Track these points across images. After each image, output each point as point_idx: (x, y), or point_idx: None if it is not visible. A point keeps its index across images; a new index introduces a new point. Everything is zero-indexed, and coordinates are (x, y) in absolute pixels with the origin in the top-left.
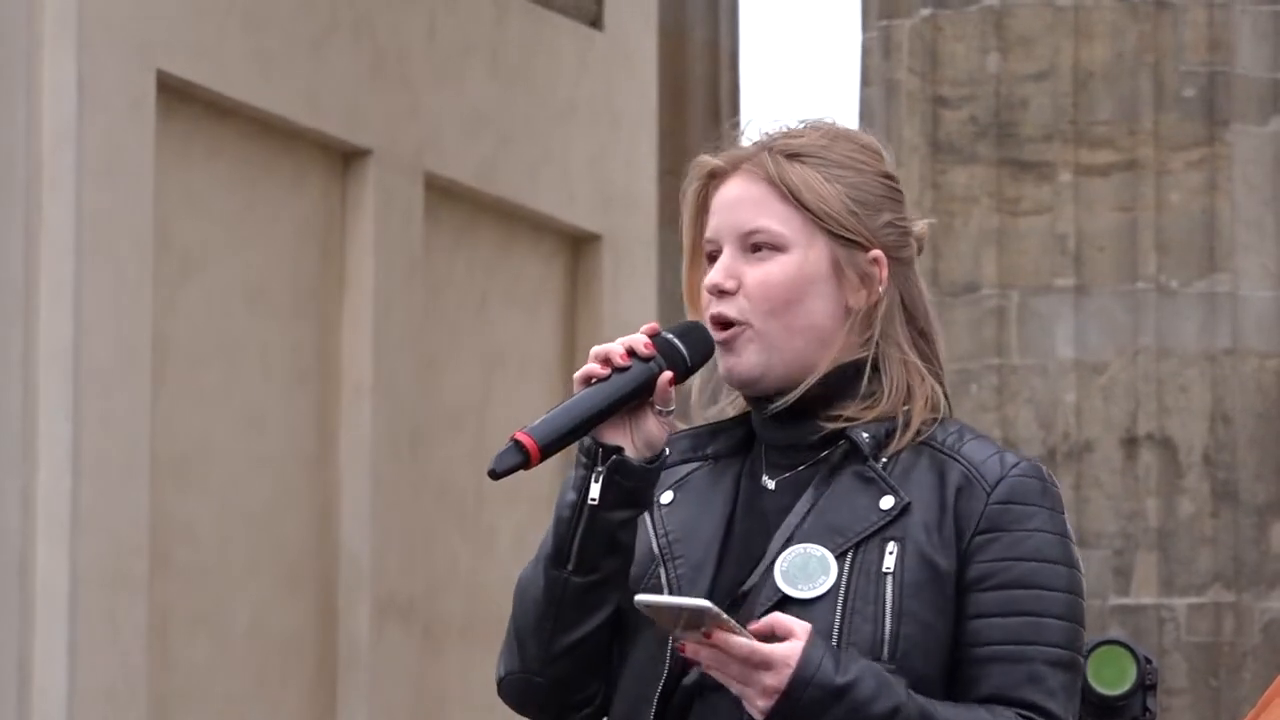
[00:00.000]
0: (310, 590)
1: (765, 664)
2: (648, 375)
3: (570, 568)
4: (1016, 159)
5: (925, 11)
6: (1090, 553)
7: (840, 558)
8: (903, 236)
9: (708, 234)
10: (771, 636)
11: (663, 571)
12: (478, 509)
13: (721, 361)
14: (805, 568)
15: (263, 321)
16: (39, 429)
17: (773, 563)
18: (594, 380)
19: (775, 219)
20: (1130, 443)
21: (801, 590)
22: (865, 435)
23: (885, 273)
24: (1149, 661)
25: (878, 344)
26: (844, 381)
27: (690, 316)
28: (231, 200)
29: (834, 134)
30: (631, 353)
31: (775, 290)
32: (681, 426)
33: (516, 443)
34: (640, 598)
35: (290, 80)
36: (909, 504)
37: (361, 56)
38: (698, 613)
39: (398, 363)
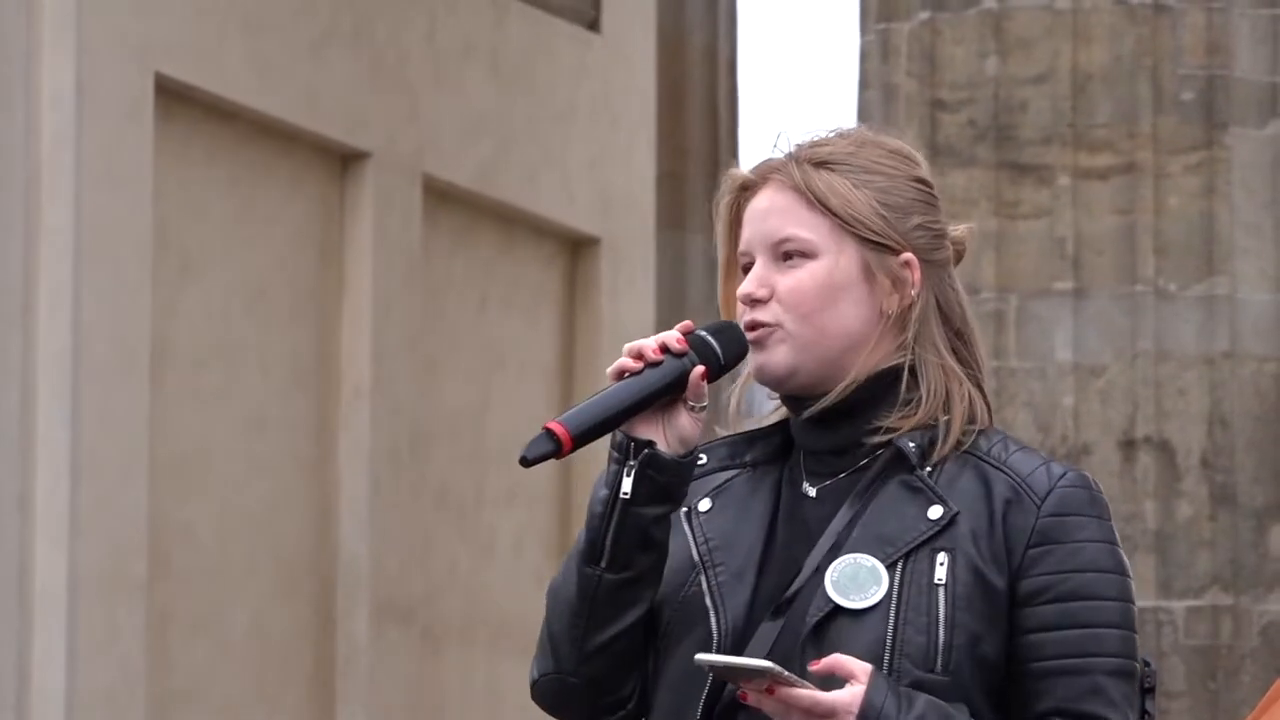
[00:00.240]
0: (309, 592)
1: (829, 713)
2: (680, 370)
3: (603, 564)
4: (1015, 162)
5: (924, 15)
6: None
7: (890, 568)
8: (936, 239)
9: (741, 246)
10: (831, 678)
11: (703, 579)
12: (477, 512)
13: (753, 360)
14: (856, 578)
15: (262, 324)
16: (38, 431)
17: (815, 570)
18: (627, 374)
19: (804, 226)
20: (1128, 445)
21: (853, 600)
22: (911, 444)
23: (918, 275)
24: (1147, 664)
25: (914, 349)
26: (882, 387)
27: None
28: (230, 203)
29: (862, 140)
30: (665, 348)
31: (807, 297)
32: (722, 432)
33: (549, 431)
34: (700, 657)
35: (289, 83)
36: (957, 514)
37: (360, 59)
38: (760, 672)
39: (397, 365)
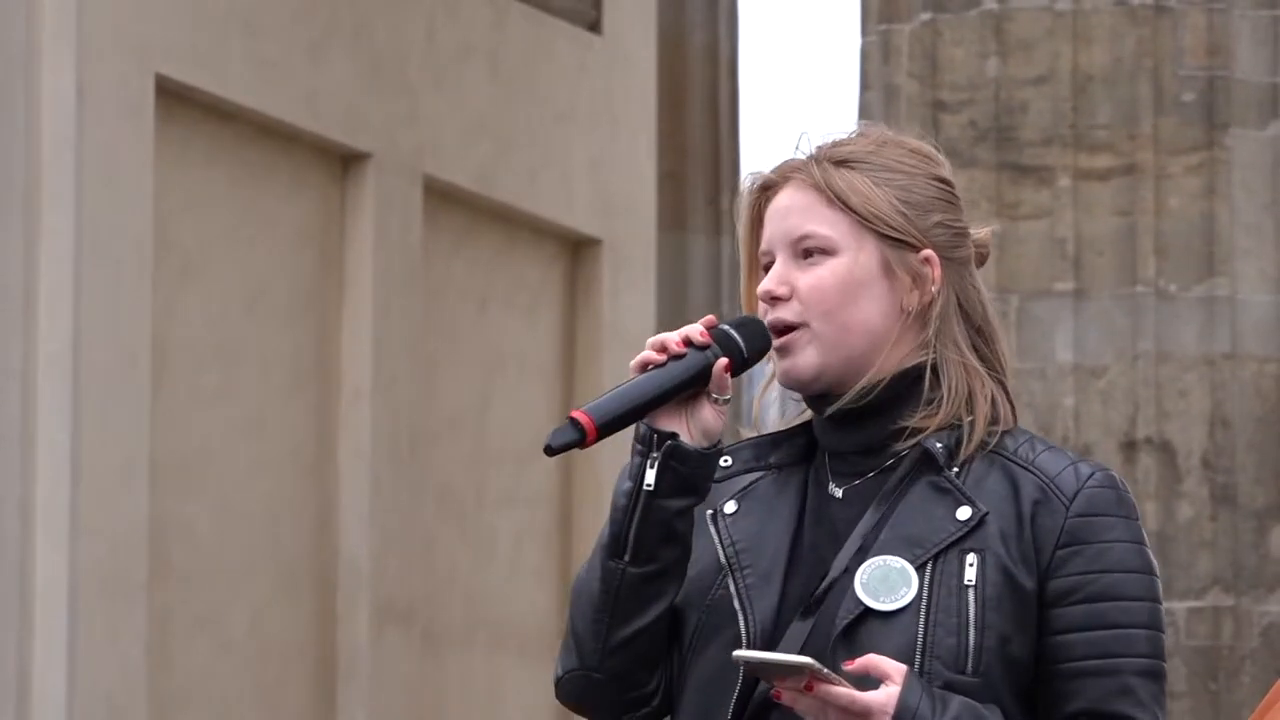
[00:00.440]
0: (309, 594)
1: (865, 713)
2: (704, 363)
3: (627, 557)
4: (1016, 163)
5: (924, 16)
6: None
7: (920, 569)
8: (956, 237)
9: (762, 245)
10: (866, 678)
11: (731, 581)
12: (477, 512)
13: (778, 365)
14: (886, 579)
15: (262, 325)
16: (38, 433)
17: (844, 571)
18: (650, 367)
19: (823, 223)
20: (1129, 447)
21: (883, 602)
22: (939, 445)
23: (938, 273)
24: None
25: (935, 347)
26: (904, 386)
27: None
28: (231, 204)
29: (883, 139)
30: (688, 341)
31: (828, 293)
32: (749, 434)
33: (573, 420)
34: (739, 654)
35: (289, 84)
36: (986, 515)
37: (360, 60)
38: (798, 668)
39: (397, 366)
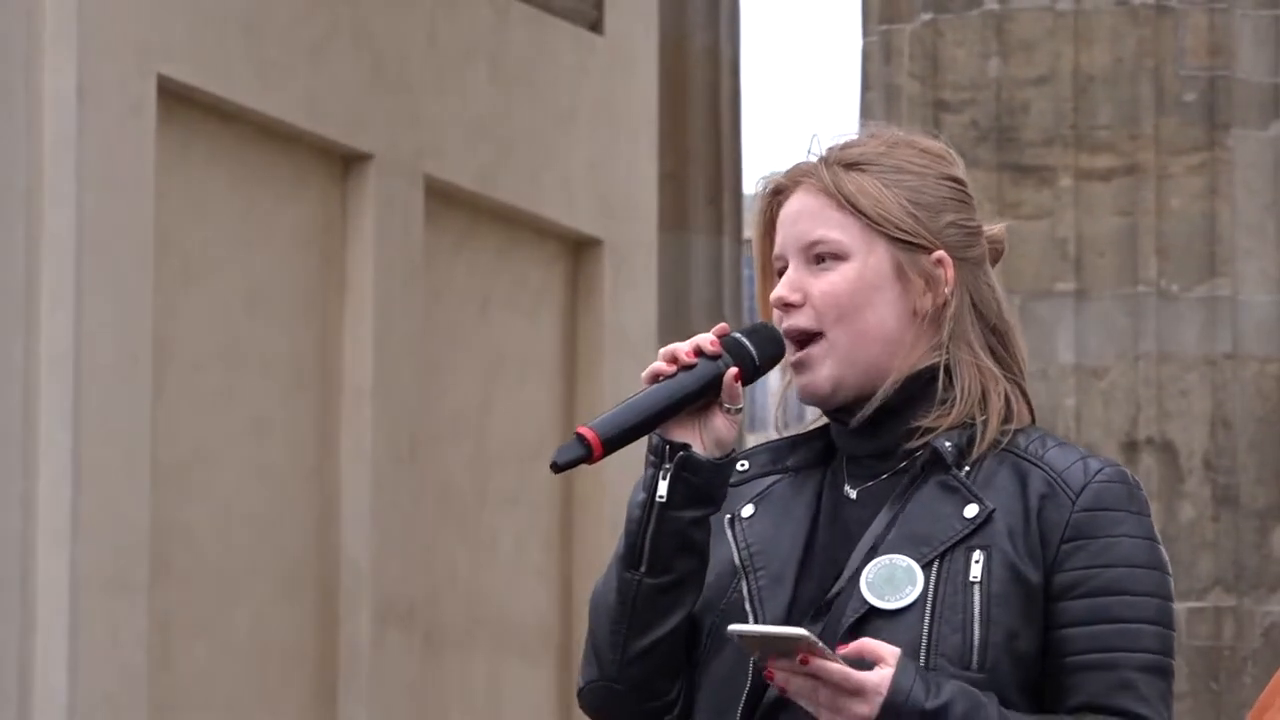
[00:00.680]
0: (310, 595)
1: (858, 691)
2: (715, 372)
3: (643, 569)
4: (1017, 163)
5: (926, 16)
6: None
7: (926, 567)
8: (969, 237)
9: (775, 251)
10: (860, 662)
11: (744, 584)
12: (478, 514)
13: (797, 382)
14: (891, 578)
15: (263, 326)
16: (39, 434)
17: (856, 573)
18: (661, 378)
19: (834, 228)
20: (1131, 447)
21: (888, 601)
22: (948, 444)
23: (951, 273)
24: None
25: (948, 348)
26: (918, 387)
27: None
28: (232, 205)
29: (894, 141)
30: (699, 351)
31: (841, 298)
32: (768, 439)
33: (579, 436)
34: (734, 627)
35: (290, 85)
36: (993, 512)
37: (362, 61)
38: (792, 640)
39: (398, 367)
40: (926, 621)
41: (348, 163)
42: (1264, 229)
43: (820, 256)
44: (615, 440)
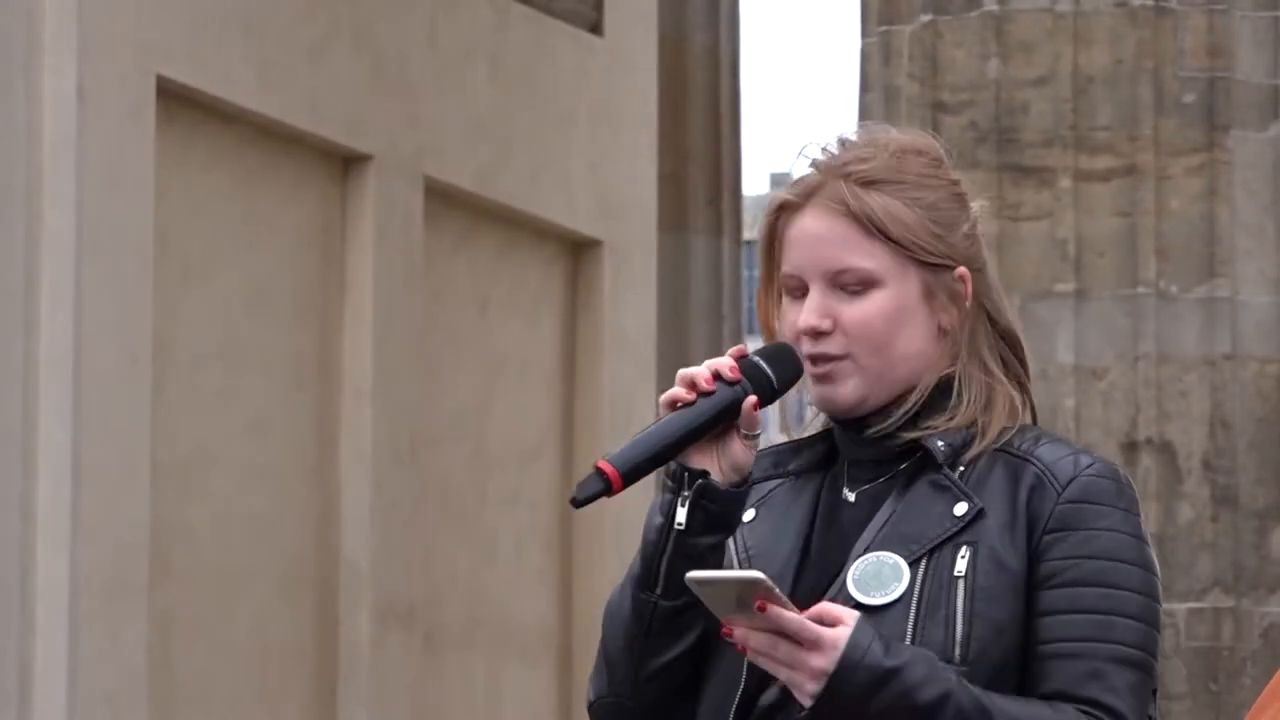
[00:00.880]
0: (310, 596)
1: (814, 643)
2: (734, 399)
3: (659, 591)
4: (1016, 164)
5: (925, 17)
6: None
7: (914, 565)
8: (977, 245)
9: (788, 268)
10: (820, 625)
11: None
12: (478, 515)
13: (817, 391)
14: (878, 575)
15: (263, 327)
16: (39, 434)
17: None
18: (679, 404)
19: (864, 256)
20: (1130, 448)
21: (873, 597)
22: (940, 443)
23: (970, 287)
24: None
25: (963, 358)
26: (933, 399)
27: (764, 342)
28: (232, 206)
29: (899, 149)
30: (717, 376)
31: (874, 327)
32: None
33: (599, 471)
34: (691, 574)
35: (290, 85)
36: (982, 509)
37: (362, 62)
38: (750, 584)
39: (398, 368)
40: (911, 617)
41: (347, 163)
42: (1263, 230)
43: (849, 283)
44: (635, 473)
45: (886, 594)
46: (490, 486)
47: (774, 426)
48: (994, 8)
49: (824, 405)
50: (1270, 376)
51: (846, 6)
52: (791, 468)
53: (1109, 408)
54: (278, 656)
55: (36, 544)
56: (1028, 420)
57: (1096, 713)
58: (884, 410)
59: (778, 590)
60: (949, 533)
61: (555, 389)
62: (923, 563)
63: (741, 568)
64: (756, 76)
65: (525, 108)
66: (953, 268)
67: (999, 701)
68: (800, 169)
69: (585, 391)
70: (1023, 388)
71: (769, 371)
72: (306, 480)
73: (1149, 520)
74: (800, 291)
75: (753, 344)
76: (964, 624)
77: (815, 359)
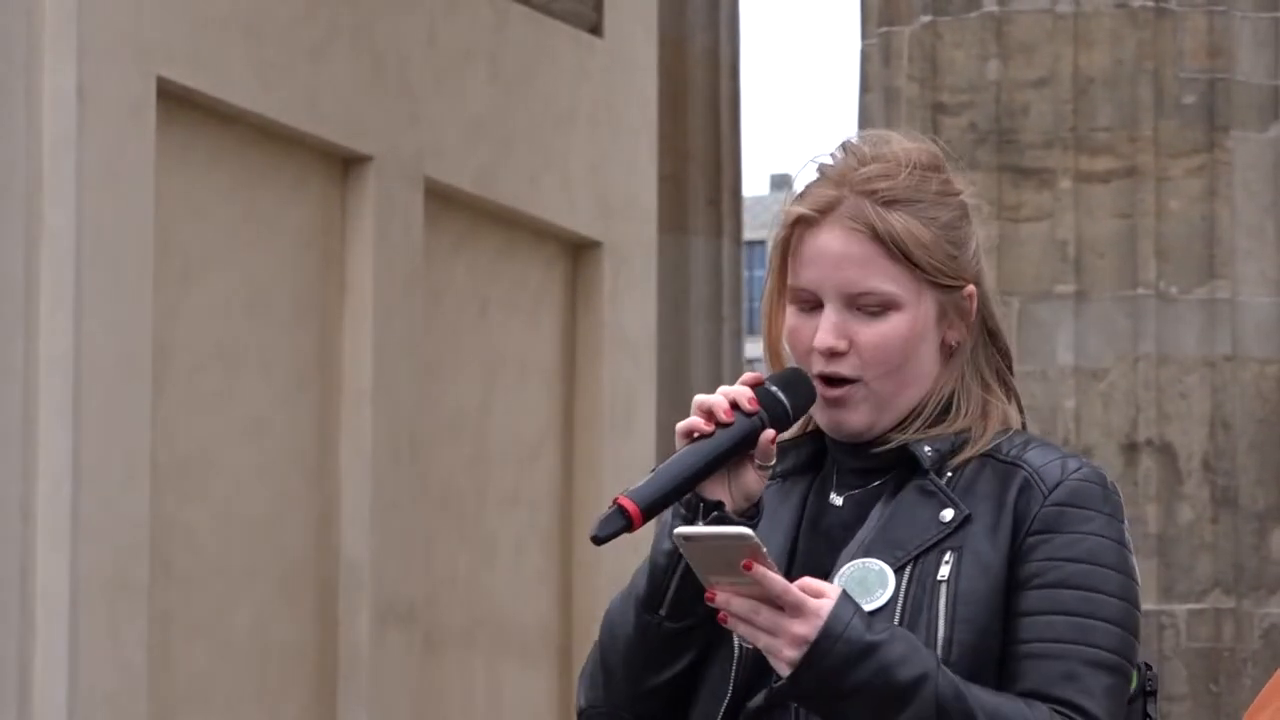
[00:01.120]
0: (310, 596)
1: (797, 609)
2: (751, 429)
3: (664, 613)
4: (1017, 165)
5: (925, 18)
6: None
7: (899, 571)
8: (981, 258)
9: (802, 283)
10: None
11: None
12: (478, 514)
13: (827, 415)
14: (864, 581)
15: (263, 327)
16: (40, 434)
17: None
18: (696, 435)
19: (885, 279)
20: (1130, 449)
21: (860, 603)
22: (927, 449)
23: (976, 305)
24: (1149, 668)
25: (964, 374)
26: (934, 413)
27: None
28: (232, 206)
29: (912, 162)
30: (735, 406)
31: (891, 351)
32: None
33: (620, 508)
34: (679, 529)
35: (290, 87)
36: (969, 515)
37: (361, 63)
38: (738, 541)
39: (398, 368)
40: (895, 623)
41: (347, 164)
42: (1263, 231)
43: (868, 305)
44: (654, 508)
45: (872, 600)
46: (490, 486)
47: None
48: (994, 9)
49: (833, 430)
50: (1270, 377)
51: (846, 8)
52: (779, 470)
53: (1109, 409)
54: (278, 656)
55: (37, 544)
56: (1017, 425)
57: (1070, 714)
58: (886, 435)
59: (765, 552)
60: (935, 539)
61: (555, 389)
62: (908, 569)
63: None
64: (756, 77)
65: (525, 108)
66: (963, 286)
67: (976, 691)
68: (807, 177)
69: (585, 391)
70: (1018, 404)
71: (785, 400)
72: (306, 480)
73: (1149, 522)
74: (811, 305)
75: (752, 345)
76: (945, 626)
77: (828, 380)
